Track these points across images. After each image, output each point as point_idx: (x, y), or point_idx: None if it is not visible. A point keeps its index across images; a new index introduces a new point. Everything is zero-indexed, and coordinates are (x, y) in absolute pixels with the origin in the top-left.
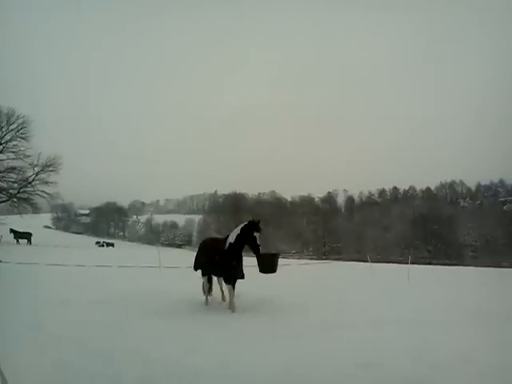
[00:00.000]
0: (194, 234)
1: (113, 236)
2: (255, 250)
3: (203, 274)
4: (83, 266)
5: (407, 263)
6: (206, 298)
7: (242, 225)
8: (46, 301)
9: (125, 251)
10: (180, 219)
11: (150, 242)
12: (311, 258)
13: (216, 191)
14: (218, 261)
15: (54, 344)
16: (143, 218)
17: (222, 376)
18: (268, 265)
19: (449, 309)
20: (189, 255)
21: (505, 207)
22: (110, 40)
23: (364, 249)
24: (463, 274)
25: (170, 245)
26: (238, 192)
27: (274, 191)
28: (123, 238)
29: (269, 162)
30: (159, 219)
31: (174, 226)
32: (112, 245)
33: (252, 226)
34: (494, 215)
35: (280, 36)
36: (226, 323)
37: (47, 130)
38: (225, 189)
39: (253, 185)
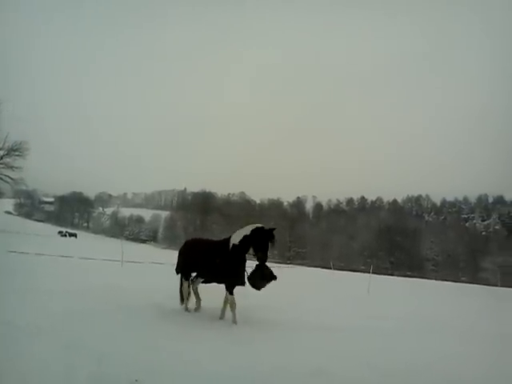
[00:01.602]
0: (160, 229)
1: (76, 227)
2: (263, 259)
3: (186, 278)
4: (43, 254)
5: (369, 273)
6: (186, 304)
7: (250, 227)
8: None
9: (88, 243)
10: (147, 214)
11: (115, 235)
12: (275, 262)
13: (185, 188)
14: (220, 265)
15: (7, 333)
16: (109, 211)
17: (178, 374)
18: (265, 277)
19: (405, 319)
20: (153, 251)
21: (467, 224)
22: (95, 28)
23: (328, 256)
24: (423, 286)
25: (134, 239)
26: (207, 191)
27: (243, 192)
28: (87, 229)
29: (240, 163)
30: (125, 212)
31: (140, 220)
32: (75, 235)
33: (269, 234)
34: (456, 231)
35: (261, 37)
36: (184, 323)
37: (16, 114)
38: (194, 186)
39: (223, 185)
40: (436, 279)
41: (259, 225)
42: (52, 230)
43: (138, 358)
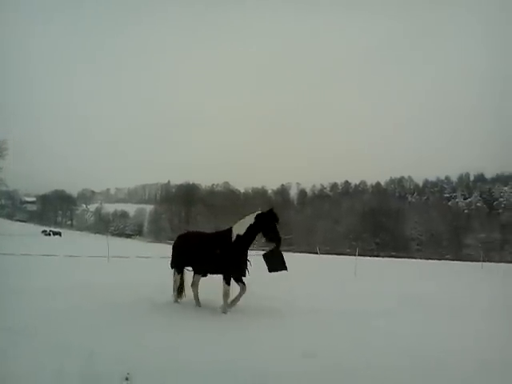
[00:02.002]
0: (145, 223)
1: (60, 225)
2: (277, 240)
3: (179, 272)
4: (28, 255)
5: (355, 255)
6: (176, 297)
7: (252, 215)
8: None
9: (73, 240)
10: (131, 209)
11: (100, 232)
12: (262, 249)
13: (169, 181)
14: (222, 256)
15: None
16: (92, 207)
17: (169, 368)
18: (281, 260)
19: (392, 299)
20: (139, 245)
21: (449, 203)
22: (88, 23)
23: (314, 241)
24: (408, 265)
25: (119, 235)
26: (191, 182)
27: (227, 182)
28: (71, 227)
29: (223, 154)
30: (109, 208)
31: (124, 215)
32: (59, 234)
33: (273, 215)
34: (439, 210)
35: (244, 30)
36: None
37: None
38: (178, 179)
39: (206, 176)
40: (421, 258)
41: (259, 211)
42: (35, 229)
43: (129, 353)
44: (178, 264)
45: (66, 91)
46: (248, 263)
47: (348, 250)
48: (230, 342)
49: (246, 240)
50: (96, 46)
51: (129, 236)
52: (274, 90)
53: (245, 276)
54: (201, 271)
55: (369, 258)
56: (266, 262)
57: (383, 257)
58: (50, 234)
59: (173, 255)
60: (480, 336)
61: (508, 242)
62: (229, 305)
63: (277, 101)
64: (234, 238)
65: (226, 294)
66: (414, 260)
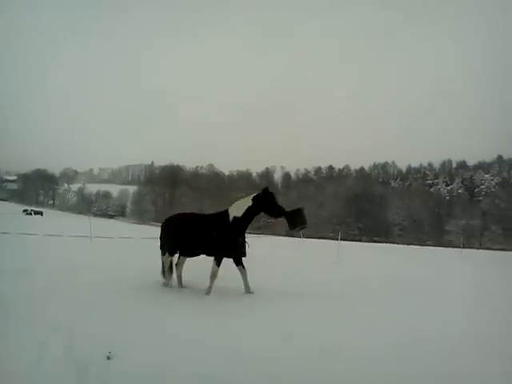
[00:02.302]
0: (128, 205)
1: (42, 204)
2: (282, 211)
3: (171, 254)
4: (8, 233)
5: (338, 239)
6: (168, 279)
7: (249, 198)
8: None
9: (54, 220)
10: (114, 189)
11: (82, 212)
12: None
13: (153, 162)
14: (219, 238)
15: None
16: (75, 187)
17: (151, 346)
18: (300, 218)
19: (373, 283)
20: (122, 226)
21: (431, 189)
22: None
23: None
24: (389, 250)
25: (102, 215)
26: (175, 164)
27: (211, 165)
28: (53, 206)
29: (208, 136)
30: (92, 188)
31: (107, 196)
32: (40, 213)
33: (270, 194)
34: (421, 196)
35: (229, 10)
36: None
37: None
38: (162, 160)
39: (191, 158)
40: (403, 243)
41: (254, 193)
42: (16, 208)
43: (111, 333)
44: (170, 246)
45: (49, 69)
46: (246, 245)
47: (331, 235)
48: (208, 324)
49: (244, 222)
50: (81, 27)
51: (112, 217)
52: (260, 73)
53: (244, 256)
54: (192, 253)
55: (351, 242)
56: (296, 226)
57: (365, 241)
58: (31, 214)
59: (164, 237)
60: (457, 319)
61: (487, 228)
62: (246, 289)
63: (262, 84)
64: (231, 220)
65: (213, 275)
66: (395, 245)
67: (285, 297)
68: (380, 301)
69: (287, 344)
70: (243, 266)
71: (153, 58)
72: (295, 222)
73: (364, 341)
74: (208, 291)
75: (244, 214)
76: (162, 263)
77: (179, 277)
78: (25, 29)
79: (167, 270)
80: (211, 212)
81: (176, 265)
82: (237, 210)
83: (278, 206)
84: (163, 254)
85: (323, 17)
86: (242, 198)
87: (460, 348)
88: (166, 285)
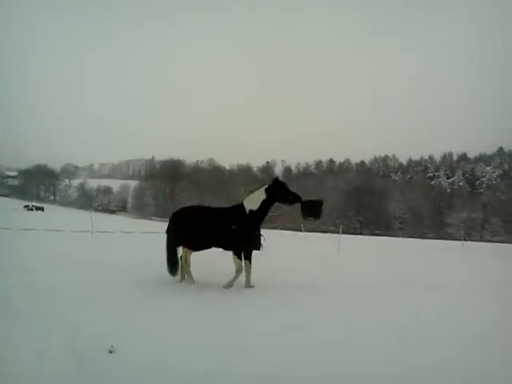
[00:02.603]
0: (129, 199)
1: (43, 200)
2: (296, 197)
3: (191, 248)
4: (9, 229)
5: (339, 233)
6: (184, 274)
7: (261, 189)
8: None
9: (56, 215)
10: (115, 184)
11: (83, 207)
12: None
13: (153, 157)
14: (238, 231)
15: None
16: (76, 182)
17: (153, 340)
18: (314, 209)
19: (372, 275)
20: (124, 221)
21: (432, 182)
22: None
23: (299, 218)
24: (390, 243)
25: (103, 210)
26: (175, 159)
27: (212, 159)
28: (54, 202)
29: (208, 130)
30: (93, 184)
31: (108, 191)
32: (42, 209)
33: (281, 183)
34: (422, 189)
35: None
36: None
37: None
38: (162, 155)
39: (191, 152)
40: (403, 237)
41: (265, 186)
42: (17, 204)
43: (113, 327)
44: (183, 239)
45: (49, 65)
46: (262, 238)
47: (332, 228)
48: (210, 315)
49: (260, 215)
50: (83, 22)
51: (113, 212)
52: (260, 68)
53: (259, 250)
54: (204, 247)
55: (352, 235)
56: (309, 215)
57: (366, 235)
58: (32, 209)
59: (175, 230)
60: (455, 310)
61: (488, 221)
62: (247, 284)
63: (263, 79)
64: (247, 213)
65: (239, 270)
66: (396, 238)
67: (285, 290)
68: (379, 294)
69: (288, 334)
70: (250, 261)
71: (154, 53)
72: (309, 211)
73: (361, 335)
74: (229, 285)
75: (260, 207)
76: (171, 257)
77: (189, 272)
78: (23, 27)
79: (183, 265)
80: (212, 206)
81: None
82: (252, 203)
83: (292, 192)
84: (173, 248)
85: (322, 13)
86: (248, 191)
87: (462, 341)
88: (181, 280)
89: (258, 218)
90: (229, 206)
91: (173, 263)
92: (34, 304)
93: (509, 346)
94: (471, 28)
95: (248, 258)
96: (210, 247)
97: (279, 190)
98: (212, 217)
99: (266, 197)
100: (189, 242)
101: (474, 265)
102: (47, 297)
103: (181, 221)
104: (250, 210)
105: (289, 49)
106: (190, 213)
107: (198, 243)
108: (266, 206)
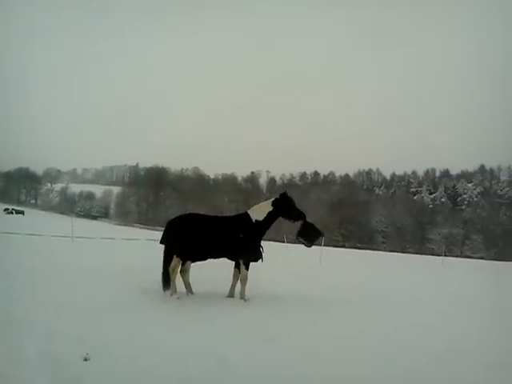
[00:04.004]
0: (112, 206)
1: (24, 204)
2: (303, 216)
3: (185, 258)
4: None
5: (321, 245)
6: (174, 287)
7: (268, 201)
8: None
9: (36, 220)
10: (98, 190)
11: (64, 212)
12: None
13: (137, 163)
14: (245, 241)
15: None
16: (58, 187)
17: (130, 348)
18: (311, 235)
19: (352, 287)
20: (105, 227)
21: (415, 197)
22: None
23: (282, 230)
24: (371, 257)
25: (85, 216)
26: (160, 166)
27: (197, 167)
28: (35, 206)
29: (193, 138)
30: (75, 188)
31: (90, 196)
32: (22, 212)
33: (289, 199)
34: (404, 204)
35: (215, 8)
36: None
37: None
38: (147, 162)
39: (176, 160)
40: (385, 250)
41: (272, 198)
42: None
43: (89, 334)
44: (183, 249)
45: (31, 67)
46: (261, 249)
47: None
48: (189, 327)
49: (265, 226)
50: (74, 22)
51: (95, 218)
52: (247, 78)
53: (258, 261)
54: (208, 257)
55: (334, 248)
56: (304, 238)
57: (348, 247)
58: (12, 213)
59: (174, 239)
60: (430, 324)
61: (468, 237)
62: (230, 293)
63: (249, 88)
64: (253, 222)
65: (245, 279)
66: (377, 252)
67: (263, 300)
68: (357, 306)
69: (268, 345)
70: (240, 271)
71: (139, 58)
72: (306, 234)
73: (336, 346)
74: (243, 296)
75: (265, 218)
76: (167, 270)
77: (187, 282)
78: (14, 27)
79: (175, 277)
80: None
81: (182, 271)
82: (258, 213)
83: (298, 209)
84: (170, 258)
85: (322, 15)
86: (258, 204)
87: (442, 356)
88: (172, 294)
89: (264, 228)
90: (229, 215)
91: (169, 276)
92: (10, 308)
93: (488, 357)
94: (453, 40)
95: (247, 265)
96: (216, 257)
97: (286, 205)
98: (217, 225)
99: (273, 209)
100: (190, 252)
101: (452, 280)
102: (23, 302)
103: (181, 229)
104: (256, 220)
105: (275, 61)
106: (191, 221)
107: (202, 253)
108: (271, 218)
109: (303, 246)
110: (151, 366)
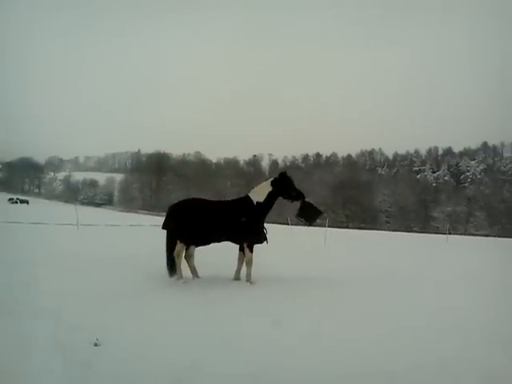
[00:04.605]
0: (115, 193)
1: (27, 193)
2: (302, 195)
3: (188, 243)
4: None
5: (325, 226)
6: (180, 272)
7: (267, 182)
8: None
9: (41, 209)
10: (100, 177)
11: (68, 201)
12: None
13: (139, 150)
14: (248, 223)
15: None
16: (61, 175)
17: (139, 335)
18: (310, 213)
19: (357, 268)
20: (109, 214)
21: (418, 176)
22: None
23: (285, 212)
24: (376, 237)
25: (89, 203)
26: (162, 151)
27: (199, 152)
28: (39, 195)
29: (195, 123)
30: (78, 177)
31: (93, 184)
32: (26, 202)
33: (288, 178)
34: (408, 183)
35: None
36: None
37: None
38: (148, 148)
39: (178, 145)
40: (389, 230)
41: (271, 178)
42: (1, 197)
43: (98, 321)
44: (188, 234)
45: (32, 56)
46: (265, 231)
47: (318, 221)
48: (194, 311)
49: (266, 207)
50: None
51: (98, 205)
52: (248, 61)
53: (263, 242)
54: (211, 241)
55: (338, 229)
56: (303, 217)
57: (352, 228)
58: (16, 202)
59: (177, 224)
60: (436, 302)
61: (472, 215)
62: (236, 276)
63: (250, 72)
64: (254, 204)
65: (250, 262)
66: (382, 232)
67: (267, 282)
68: (363, 287)
69: (276, 328)
70: (244, 254)
71: (140, 45)
72: (305, 213)
73: (342, 328)
74: (249, 278)
75: (266, 199)
76: (171, 255)
77: (192, 267)
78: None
79: (180, 262)
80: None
81: (187, 256)
82: (258, 195)
83: (297, 189)
84: (173, 244)
85: (309, 10)
86: (258, 185)
87: (447, 334)
88: (179, 279)
89: (265, 210)
90: (229, 199)
91: (174, 262)
92: (17, 296)
93: (493, 334)
94: (464, 27)
95: (251, 247)
96: (220, 241)
97: (285, 184)
98: (219, 209)
99: (272, 189)
100: (193, 236)
101: (457, 257)
102: (30, 290)
103: (184, 214)
104: (258, 202)
105: (277, 46)
106: (193, 206)
107: (205, 238)
108: (272, 198)
109: (307, 227)
110: (159, 349)
